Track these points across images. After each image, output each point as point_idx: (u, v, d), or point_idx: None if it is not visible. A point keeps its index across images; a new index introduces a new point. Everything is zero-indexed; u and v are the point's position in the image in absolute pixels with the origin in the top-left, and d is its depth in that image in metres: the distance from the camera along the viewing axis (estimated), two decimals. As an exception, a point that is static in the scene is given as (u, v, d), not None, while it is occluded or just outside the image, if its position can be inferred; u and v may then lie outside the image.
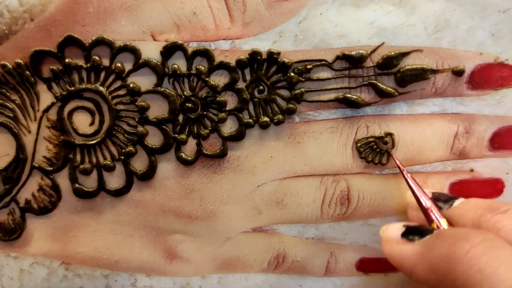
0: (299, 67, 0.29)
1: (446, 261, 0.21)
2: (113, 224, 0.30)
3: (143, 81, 0.29)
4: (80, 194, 0.30)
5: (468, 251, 0.21)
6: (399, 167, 0.28)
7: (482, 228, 0.24)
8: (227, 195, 0.30)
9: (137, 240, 0.31)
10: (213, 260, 0.32)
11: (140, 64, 0.28)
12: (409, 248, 0.24)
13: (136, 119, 0.29)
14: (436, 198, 0.27)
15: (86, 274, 0.31)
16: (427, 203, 0.26)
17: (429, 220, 0.26)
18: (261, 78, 0.29)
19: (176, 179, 0.30)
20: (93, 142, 0.29)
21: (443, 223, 0.25)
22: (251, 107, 0.29)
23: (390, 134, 0.30)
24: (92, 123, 0.29)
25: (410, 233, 0.25)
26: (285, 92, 0.29)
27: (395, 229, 0.26)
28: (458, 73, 0.29)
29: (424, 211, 0.26)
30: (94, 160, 0.29)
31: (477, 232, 0.22)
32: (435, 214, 0.25)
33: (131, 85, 0.28)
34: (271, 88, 0.29)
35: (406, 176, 0.27)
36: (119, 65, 0.28)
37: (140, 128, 0.29)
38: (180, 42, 0.28)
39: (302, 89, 0.29)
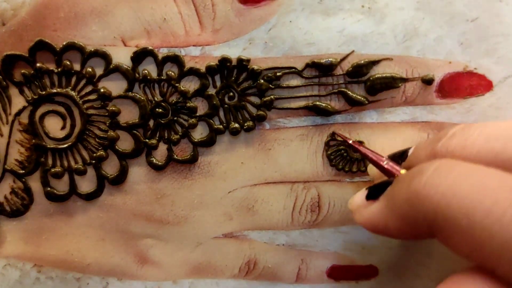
0: (269, 74, 0.29)
1: (409, 202, 0.20)
2: (85, 228, 0.31)
3: (114, 86, 0.29)
4: (52, 197, 0.30)
5: (425, 183, 0.20)
6: (345, 139, 0.28)
7: (437, 159, 0.22)
8: (198, 200, 0.30)
9: (109, 244, 0.31)
10: (184, 265, 0.32)
11: (111, 69, 0.28)
12: (375, 206, 0.23)
13: (107, 124, 0.29)
14: (392, 157, 0.26)
15: (58, 277, 0.32)
16: (382, 159, 0.25)
17: (391, 176, 0.25)
18: (231, 85, 0.29)
19: (147, 183, 0.30)
20: (65, 146, 0.29)
21: (402, 171, 0.24)
22: (221, 113, 0.29)
23: (360, 142, 0.30)
24: (63, 127, 0.29)
25: (373, 192, 0.24)
26: (255, 99, 0.29)
27: (359, 195, 0.25)
28: (427, 81, 0.29)
29: (382, 168, 0.25)
30: (65, 164, 0.30)
31: (429, 163, 0.21)
32: (392, 165, 0.25)
33: (102, 90, 0.29)
34: (241, 95, 0.29)
35: (354, 145, 0.27)
36: (90, 70, 0.28)
37: (111, 133, 0.29)
38: (150, 47, 0.28)
39: (272, 96, 0.29)
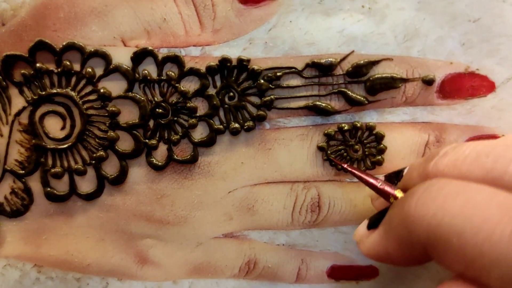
0: (269, 74, 0.29)
1: (403, 225, 0.20)
2: (85, 228, 0.31)
3: (114, 86, 0.29)
4: (52, 197, 0.30)
5: (416, 204, 0.20)
6: (340, 164, 0.28)
7: (429, 179, 0.22)
8: (198, 200, 0.30)
9: (109, 244, 0.31)
10: (184, 265, 0.32)
11: (111, 70, 0.28)
12: (375, 234, 0.24)
13: (107, 124, 0.29)
14: (388, 179, 0.26)
15: (58, 277, 0.32)
16: (377, 182, 0.25)
17: (386, 197, 0.25)
18: (231, 85, 0.29)
19: (147, 184, 0.30)
20: (65, 146, 0.29)
21: (398, 193, 0.24)
22: (221, 113, 0.29)
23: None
24: (63, 128, 0.29)
25: (373, 221, 0.24)
26: (255, 99, 0.29)
27: (361, 226, 0.25)
28: (428, 82, 0.29)
29: (379, 190, 0.25)
30: (65, 164, 0.30)
31: (420, 185, 0.21)
32: (387, 188, 0.25)
33: (102, 90, 0.29)
34: (241, 95, 0.29)
35: (349, 169, 0.27)
36: (90, 70, 0.28)
37: (111, 133, 0.29)
38: (150, 48, 0.28)
39: (272, 96, 0.29)
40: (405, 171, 0.25)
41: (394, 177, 0.26)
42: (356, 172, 0.27)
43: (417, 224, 0.20)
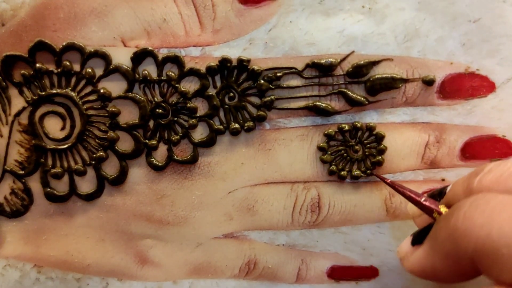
0: (269, 75, 0.29)
1: (450, 239, 0.21)
2: (85, 228, 0.31)
3: (114, 86, 0.29)
4: (52, 198, 0.30)
5: (463, 217, 0.20)
6: (383, 180, 0.28)
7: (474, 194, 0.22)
8: (198, 201, 0.30)
9: (109, 244, 0.31)
10: (184, 265, 0.32)
11: (110, 70, 0.28)
12: (421, 251, 0.23)
13: (107, 124, 0.29)
14: (430, 196, 0.26)
15: (58, 277, 0.32)
16: (421, 197, 0.25)
17: (430, 213, 0.25)
18: (231, 85, 0.29)
19: (147, 184, 0.30)
20: (64, 146, 0.29)
21: (442, 208, 0.24)
22: (221, 113, 0.29)
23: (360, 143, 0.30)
24: (63, 128, 0.29)
25: (417, 237, 0.24)
26: (255, 99, 0.29)
27: (405, 243, 0.25)
28: (428, 82, 0.29)
29: (422, 206, 0.25)
30: (65, 164, 0.30)
31: (466, 199, 0.21)
32: (430, 202, 0.25)
33: (102, 91, 0.29)
34: (241, 95, 0.29)
35: (393, 185, 0.27)
36: (90, 70, 0.28)
37: (111, 133, 0.29)
38: (150, 48, 0.28)
39: (272, 97, 0.29)
40: (448, 188, 0.25)
41: (437, 195, 0.26)
42: (400, 188, 0.26)
43: (464, 237, 0.20)
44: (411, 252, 0.24)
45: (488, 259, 0.19)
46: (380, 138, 0.29)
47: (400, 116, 0.30)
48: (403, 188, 0.26)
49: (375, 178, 0.30)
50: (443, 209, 0.24)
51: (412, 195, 0.25)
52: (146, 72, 0.28)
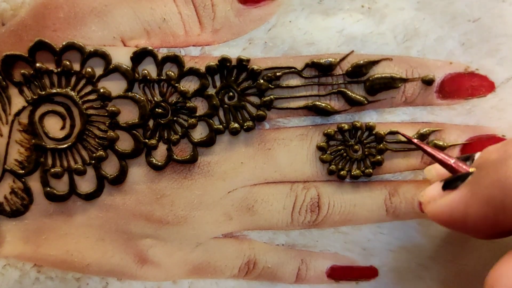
0: (269, 74, 0.29)
1: (498, 185, 0.20)
2: (85, 228, 0.31)
3: (114, 86, 0.29)
4: (52, 197, 0.30)
5: None
6: (410, 139, 0.27)
7: None
8: (197, 200, 0.30)
9: (109, 244, 0.31)
10: (184, 265, 0.32)
11: (110, 69, 0.28)
12: (455, 194, 0.23)
13: (107, 124, 0.29)
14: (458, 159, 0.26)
15: (58, 277, 0.32)
16: (450, 158, 0.25)
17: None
18: (231, 85, 0.29)
19: (147, 184, 0.30)
20: (64, 146, 0.29)
21: (472, 169, 0.24)
22: (221, 113, 0.29)
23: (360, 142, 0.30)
24: (63, 127, 0.29)
25: (451, 182, 0.24)
26: (255, 99, 0.29)
27: (434, 187, 0.25)
28: (428, 82, 0.29)
29: (452, 168, 0.25)
30: (65, 164, 0.30)
31: None
32: (463, 165, 0.24)
33: (102, 90, 0.29)
34: (241, 95, 0.29)
35: (420, 145, 0.27)
36: (90, 70, 0.28)
37: (111, 133, 0.29)
38: (150, 48, 0.28)
39: (271, 96, 0.29)
40: (477, 155, 0.25)
41: (463, 160, 0.25)
42: (428, 149, 0.26)
43: None
44: (440, 196, 0.24)
45: None
46: (379, 137, 0.29)
47: (399, 116, 0.30)
48: (432, 150, 0.26)
49: (375, 178, 0.30)
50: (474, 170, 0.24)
51: (441, 157, 0.25)
52: (145, 71, 0.29)
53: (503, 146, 0.23)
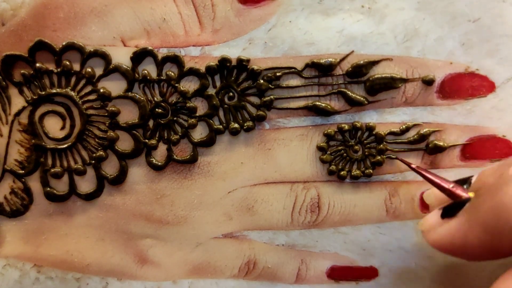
0: (269, 74, 0.29)
1: (495, 212, 0.20)
2: (85, 228, 0.31)
3: (114, 86, 0.29)
4: (52, 197, 0.30)
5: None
6: (408, 164, 0.27)
7: None
8: (197, 200, 0.30)
9: (109, 244, 0.31)
10: (184, 265, 0.32)
11: (110, 69, 0.28)
12: (454, 222, 0.23)
13: (107, 124, 0.29)
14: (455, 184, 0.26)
15: (58, 277, 0.32)
16: (449, 183, 0.25)
17: (457, 198, 0.24)
18: (231, 85, 0.29)
19: (147, 184, 0.30)
20: (64, 146, 0.29)
21: (471, 195, 0.24)
22: (221, 113, 0.29)
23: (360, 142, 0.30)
24: (63, 127, 0.29)
25: (449, 210, 0.24)
26: (255, 99, 0.29)
27: (432, 216, 0.25)
28: (428, 82, 0.29)
29: (450, 192, 0.25)
30: (65, 164, 0.30)
31: None
32: (460, 190, 0.24)
33: (102, 90, 0.29)
34: (241, 95, 0.29)
35: (418, 170, 0.27)
36: (90, 70, 0.28)
37: (111, 133, 0.29)
38: (150, 48, 0.28)
39: (272, 96, 0.29)
40: (474, 177, 0.25)
41: (461, 183, 0.25)
42: (426, 174, 0.26)
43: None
44: (439, 224, 0.24)
45: None
46: (379, 138, 0.29)
47: (399, 116, 0.30)
48: (431, 175, 0.26)
49: (375, 179, 0.30)
50: (472, 195, 0.24)
51: (440, 182, 0.25)
52: (145, 71, 0.29)
53: (499, 169, 0.23)
